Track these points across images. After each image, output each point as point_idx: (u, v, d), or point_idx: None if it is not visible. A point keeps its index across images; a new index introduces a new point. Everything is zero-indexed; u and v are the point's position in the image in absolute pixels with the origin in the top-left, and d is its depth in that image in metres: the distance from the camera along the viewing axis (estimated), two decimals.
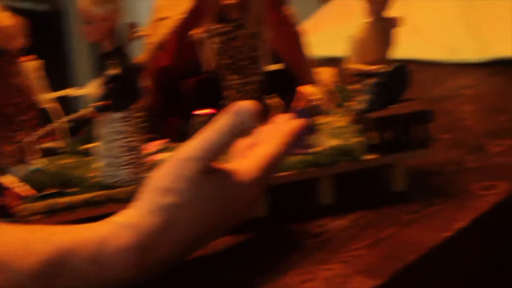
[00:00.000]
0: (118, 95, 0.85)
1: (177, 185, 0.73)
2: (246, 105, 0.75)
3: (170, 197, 0.73)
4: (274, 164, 0.81)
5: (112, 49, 0.85)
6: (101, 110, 0.86)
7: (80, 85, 0.87)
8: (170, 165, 0.74)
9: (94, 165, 0.91)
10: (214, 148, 0.74)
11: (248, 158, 0.80)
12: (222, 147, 0.75)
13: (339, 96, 1.13)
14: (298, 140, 0.93)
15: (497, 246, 0.95)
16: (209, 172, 0.75)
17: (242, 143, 0.83)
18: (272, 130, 0.85)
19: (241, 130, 0.75)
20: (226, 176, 0.77)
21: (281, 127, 0.84)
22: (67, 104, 0.96)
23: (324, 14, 2.03)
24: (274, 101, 0.94)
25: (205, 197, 0.74)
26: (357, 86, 0.96)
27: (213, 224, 0.76)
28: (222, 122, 0.75)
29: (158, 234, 0.72)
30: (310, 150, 0.93)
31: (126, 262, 0.71)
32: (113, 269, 0.70)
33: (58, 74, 1.17)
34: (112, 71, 0.84)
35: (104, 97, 0.85)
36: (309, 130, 0.93)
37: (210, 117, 1.05)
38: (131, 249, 0.71)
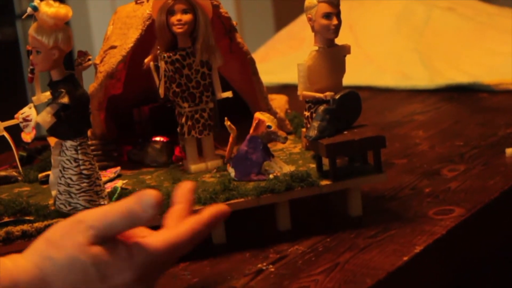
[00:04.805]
0: (67, 123, 0.84)
1: (62, 242, 0.72)
2: (150, 195, 0.73)
3: (52, 251, 0.72)
4: (177, 248, 0.76)
5: (62, 78, 0.85)
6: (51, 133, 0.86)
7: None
8: (67, 222, 0.73)
9: (50, 193, 0.90)
10: (111, 223, 0.73)
11: (155, 234, 0.77)
12: (118, 227, 0.74)
13: (291, 123, 1.13)
14: (255, 168, 0.93)
15: (455, 270, 0.95)
16: (100, 243, 0.73)
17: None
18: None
19: (140, 218, 0.73)
20: (110, 252, 0.73)
21: (201, 213, 0.79)
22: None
23: (277, 41, 2.04)
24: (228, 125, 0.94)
25: (78, 267, 0.72)
26: (308, 113, 0.96)
27: None
28: (125, 204, 0.74)
29: (32, 283, 0.71)
30: (266, 177, 0.92)
31: None
32: None
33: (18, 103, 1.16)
34: (61, 100, 0.83)
35: (53, 126, 0.84)
36: (266, 156, 0.93)
37: (164, 144, 1.04)
38: None
